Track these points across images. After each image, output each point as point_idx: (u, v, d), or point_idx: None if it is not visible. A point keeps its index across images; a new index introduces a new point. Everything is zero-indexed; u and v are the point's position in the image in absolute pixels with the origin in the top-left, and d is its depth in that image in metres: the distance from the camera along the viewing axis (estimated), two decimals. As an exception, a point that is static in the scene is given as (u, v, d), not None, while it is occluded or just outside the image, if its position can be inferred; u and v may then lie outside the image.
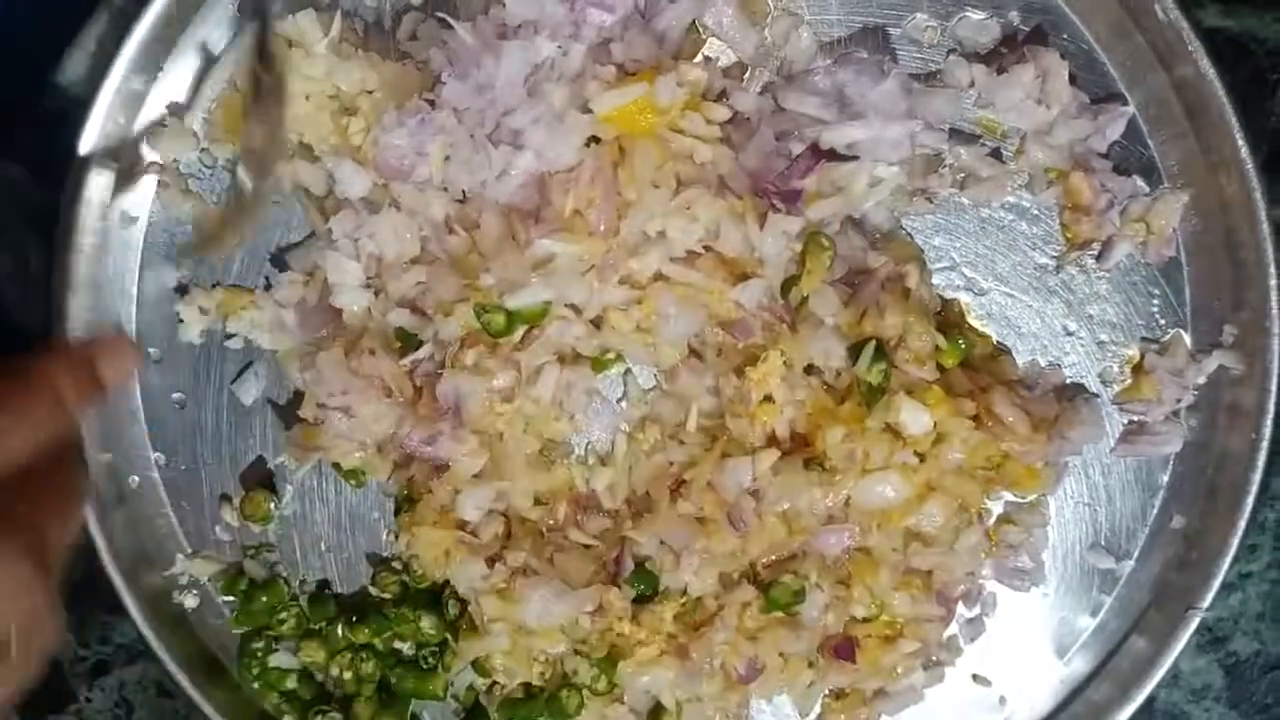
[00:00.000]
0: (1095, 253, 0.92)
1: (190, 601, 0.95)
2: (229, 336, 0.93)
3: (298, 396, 0.92)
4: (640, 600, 0.90)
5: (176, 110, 0.92)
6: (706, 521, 0.88)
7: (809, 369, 0.89)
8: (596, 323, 0.90)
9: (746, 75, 0.92)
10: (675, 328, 0.88)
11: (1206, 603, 0.90)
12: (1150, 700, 0.91)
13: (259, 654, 0.95)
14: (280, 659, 0.95)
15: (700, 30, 0.91)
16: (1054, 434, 0.89)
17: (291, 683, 0.95)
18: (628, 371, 0.93)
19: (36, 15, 0.93)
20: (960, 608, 0.93)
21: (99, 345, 0.87)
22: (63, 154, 0.89)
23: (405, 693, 0.95)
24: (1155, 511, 0.93)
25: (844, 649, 0.89)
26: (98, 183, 0.90)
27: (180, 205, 0.93)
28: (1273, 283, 0.88)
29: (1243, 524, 0.89)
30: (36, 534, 0.71)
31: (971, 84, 0.90)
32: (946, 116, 0.90)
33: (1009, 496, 0.92)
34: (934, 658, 0.93)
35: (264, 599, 0.94)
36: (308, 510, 0.96)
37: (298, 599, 0.96)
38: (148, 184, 0.92)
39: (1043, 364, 0.93)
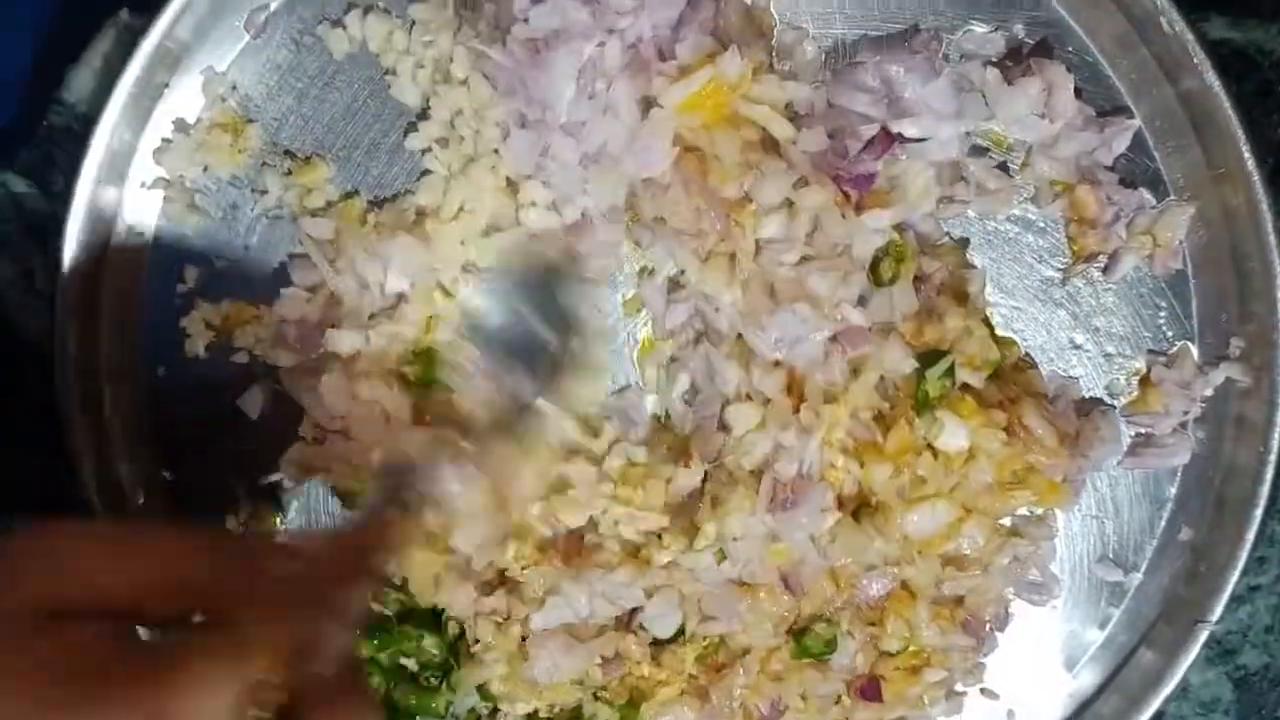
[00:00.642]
0: (1102, 265, 0.92)
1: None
2: (234, 351, 0.93)
3: (303, 411, 0.91)
4: (659, 641, 0.88)
5: (182, 126, 0.92)
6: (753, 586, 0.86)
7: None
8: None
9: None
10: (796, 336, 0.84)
11: (1215, 615, 0.89)
12: (1159, 714, 0.91)
13: (265, 667, 0.94)
14: (285, 671, 0.94)
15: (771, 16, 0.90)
16: (1076, 449, 0.88)
17: (297, 696, 0.95)
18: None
19: (43, 32, 0.93)
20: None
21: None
22: (69, 169, 0.89)
23: (408, 709, 0.94)
24: (1163, 524, 0.93)
25: (870, 690, 0.88)
26: (104, 198, 0.90)
27: (186, 220, 0.93)
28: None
29: (1251, 537, 0.89)
30: None
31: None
32: (984, 119, 0.89)
33: (1019, 510, 0.91)
34: (957, 686, 0.91)
35: (270, 612, 0.94)
36: (312, 524, 0.95)
37: (303, 612, 0.95)
38: (154, 199, 0.92)
39: (1062, 376, 0.92)
